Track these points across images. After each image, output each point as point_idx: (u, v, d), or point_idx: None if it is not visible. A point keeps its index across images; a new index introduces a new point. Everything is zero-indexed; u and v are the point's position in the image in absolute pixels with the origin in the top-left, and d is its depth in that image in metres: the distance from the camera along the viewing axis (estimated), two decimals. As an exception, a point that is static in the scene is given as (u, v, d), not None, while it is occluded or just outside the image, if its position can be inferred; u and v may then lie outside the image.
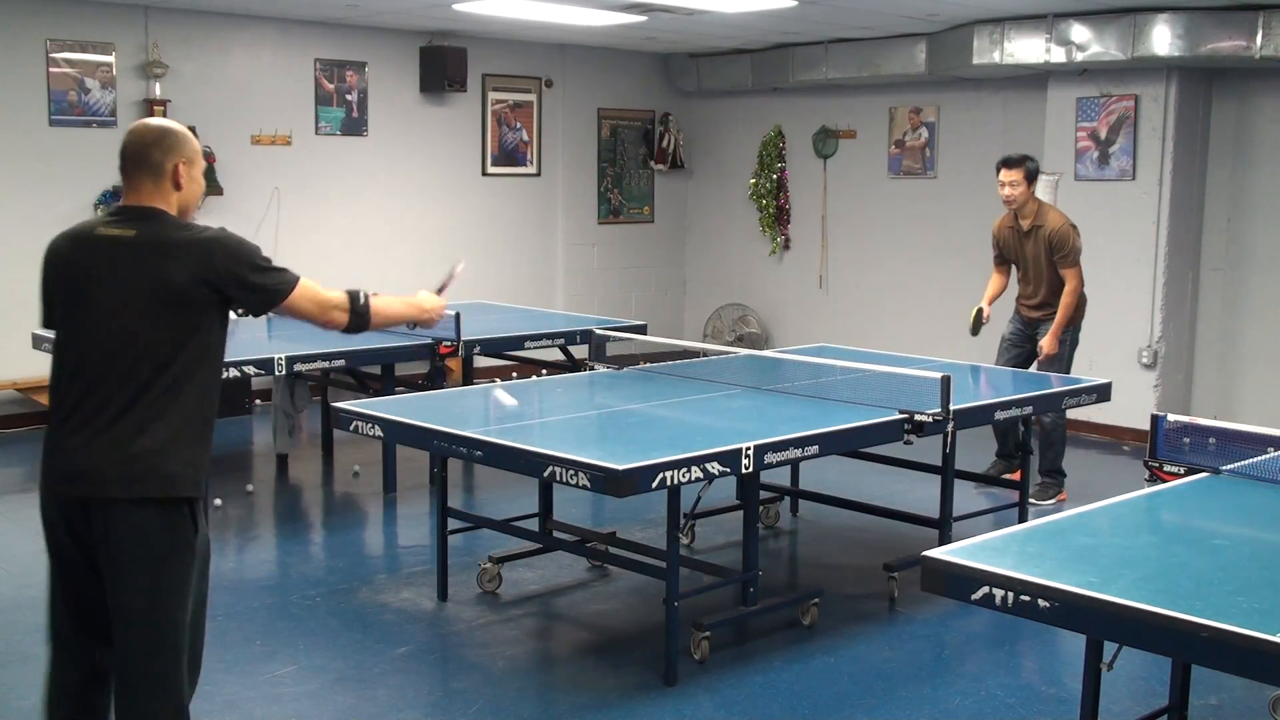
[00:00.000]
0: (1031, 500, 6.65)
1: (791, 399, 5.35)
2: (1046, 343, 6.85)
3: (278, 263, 3.23)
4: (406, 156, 9.97)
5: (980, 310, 7.05)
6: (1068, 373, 6.86)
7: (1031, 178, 6.84)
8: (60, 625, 3.20)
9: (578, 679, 4.55)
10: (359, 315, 3.37)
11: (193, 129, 9.29)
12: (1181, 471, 3.93)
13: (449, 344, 6.71)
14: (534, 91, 10.66)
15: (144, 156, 3.17)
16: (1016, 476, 6.90)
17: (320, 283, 3.34)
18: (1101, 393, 5.86)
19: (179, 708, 3.10)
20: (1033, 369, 6.95)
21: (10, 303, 8.08)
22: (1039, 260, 6.89)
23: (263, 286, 3.17)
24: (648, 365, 6.44)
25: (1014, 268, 7.13)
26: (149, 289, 3.06)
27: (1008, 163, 6.84)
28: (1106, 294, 8.37)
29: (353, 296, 3.36)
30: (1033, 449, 6.34)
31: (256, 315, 3.24)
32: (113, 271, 3.08)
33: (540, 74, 10.68)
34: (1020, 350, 7.09)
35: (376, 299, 3.43)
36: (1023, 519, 5.83)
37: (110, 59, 8.49)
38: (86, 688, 3.21)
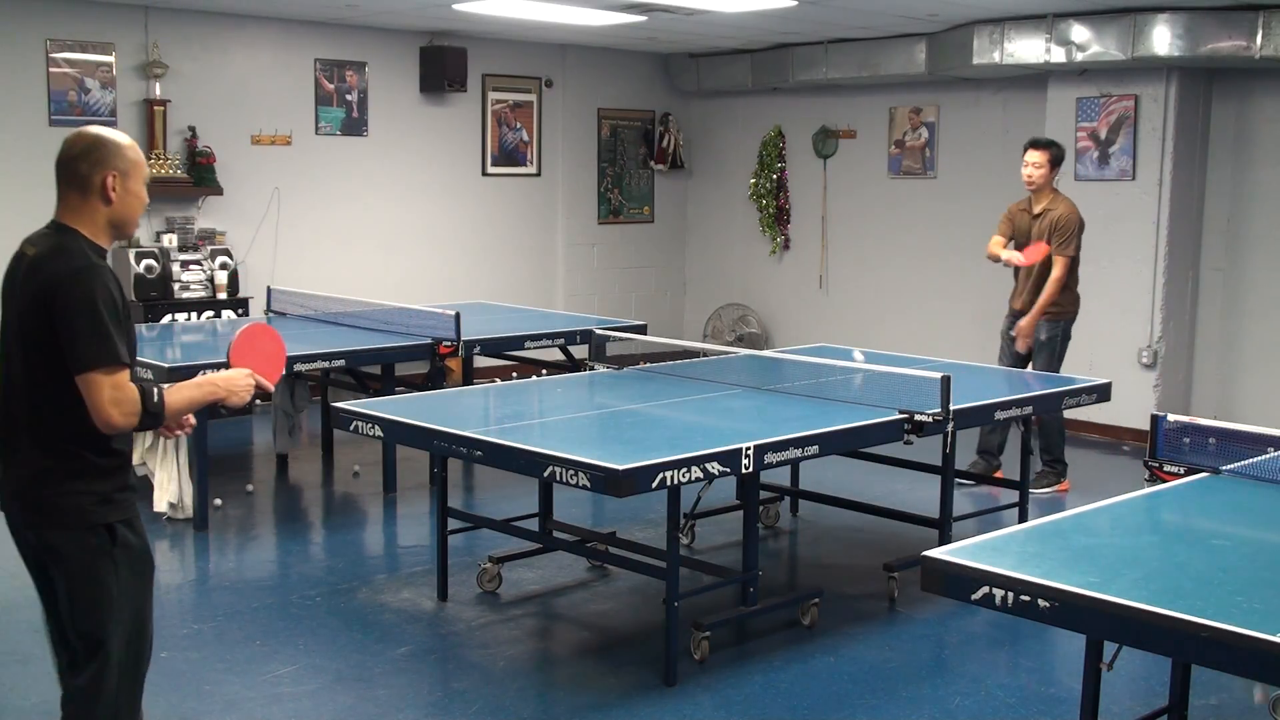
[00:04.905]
0: (1030, 489, 6.71)
1: (791, 399, 5.35)
2: (1024, 322, 6.91)
3: (106, 313, 2.92)
4: (406, 156, 9.97)
5: (1010, 258, 7.01)
6: (1058, 371, 6.90)
7: (1055, 163, 6.97)
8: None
9: (578, 679, 4.55)
10: (151, 415, 2.97)
11: (192, 129, 9.39)
12: (1181, 471, 3.93)
13: (449, 344, 6.71)
14: (534, 91, 10.66)
15: (70, 169, 3.03)
16: (997, 476, 6.94)
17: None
18: (1101, 393, 5.86)
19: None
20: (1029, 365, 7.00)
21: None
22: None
23: (72, 345, 2.90)
24: (648, 365, 6.43)
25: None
26: (22, 314, 3.00)
27: (1035, 144, 7.01)
28: (1106, 294, 8.38)
29: (144, 395, 2.96)
30: (1033, 448, 6.35)
31: (72, 372, 2.93)
32: (13, 291, 3.05)
33: (540, 74, 10.68)
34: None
35: (171, 392, 3.05)
36: (1023, 519, 5.82)
37: (110, 59, 8.49)
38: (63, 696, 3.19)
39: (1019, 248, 7.01)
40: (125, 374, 2.94)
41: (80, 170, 3.01)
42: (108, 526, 3.04)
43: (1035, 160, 6.92)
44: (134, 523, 3.12)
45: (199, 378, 3.23)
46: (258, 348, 3.35)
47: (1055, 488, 7.07)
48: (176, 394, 3.09)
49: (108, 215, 3.05)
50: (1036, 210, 6.98)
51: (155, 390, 2.99)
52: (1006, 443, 7.20)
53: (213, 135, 8.88)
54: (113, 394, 2.90)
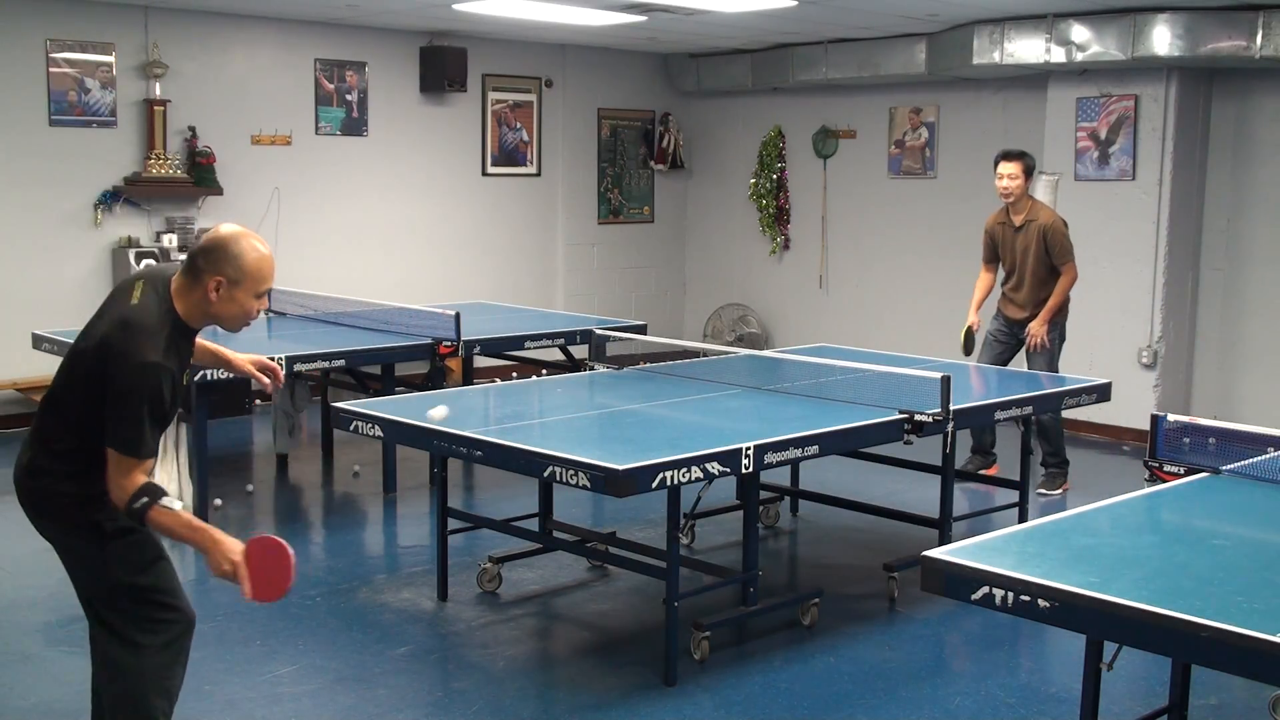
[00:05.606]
0: (1041, 491, 6.80)
1: (791, 399, 5.35)
2: (1036, 325, 6.92)
3: (149, 410, 3.05)
4: (406, 156, 9.96)
5: (969, 329, 7.11)
6: (1057, 369, 6.93)
7: (1029, 172, 6.94)
8: None
9: (578, 679, 4.55)
10: (130, 514, 3.05)
11: (192, 129, 9.38)
12: (1181, 471, 3.93)
13: (449, 344, 6.71)
14: (534, 91, 10.66)
15: (193, 257, 3.20)
16: (992, 472, 6.97)
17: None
18: (1101, 393, 5.87)
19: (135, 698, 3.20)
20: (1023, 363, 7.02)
21: (11, 302, 8.08)
22: (1028, 255, 6.95)
23: (111, 417, 3.04)
24: (648, 365, 6.44)
25: (1000, 265, 7.22)
26: (92, 346, 3.13)
27: (1007, 155, 6.97)
28: (1106, 294, 8.38)
29: (135, 495, 3.03)
30: (1033, 449, 6.35)
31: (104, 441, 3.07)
32: (103, 316, 3.22)
33: (540, 74, 10.68)
34: (1004, 347, 7.15)
35: (161, 513, 3.05)
36: (1023, 519, 5.83)
37: (110, 59, 8.49)
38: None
39: (1005, 264, 7.09)
40: (141, 465, 3.05)
41: (198, 263, 3.18)
42: (93, 523, 3.15)
43: (1010, 172, 6.90)
44: (119, 515, 3.16)
45: (205, 525, 3.16)
46: (269, 563, 3.13)
47: (1063, 488, 7.09)
48: (168, 516, 3.06)
49: (205, 309, 3.21)
50: (1018, 222, 6.97)
51: (146, 500, 3.03)
52: (997, 438, 7.23)
53: (213, 135, 8.88)
54: (117, 477, 3.05)
